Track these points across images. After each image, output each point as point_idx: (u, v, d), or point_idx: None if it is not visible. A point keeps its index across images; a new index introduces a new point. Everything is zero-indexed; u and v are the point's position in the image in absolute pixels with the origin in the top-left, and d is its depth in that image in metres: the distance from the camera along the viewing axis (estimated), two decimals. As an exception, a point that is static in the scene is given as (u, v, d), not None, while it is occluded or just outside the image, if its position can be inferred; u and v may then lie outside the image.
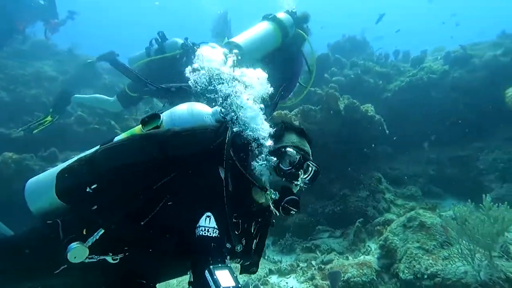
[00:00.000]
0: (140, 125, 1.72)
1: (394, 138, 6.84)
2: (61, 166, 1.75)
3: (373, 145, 7.24)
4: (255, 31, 3.84)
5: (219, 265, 1.27)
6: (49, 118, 5.26)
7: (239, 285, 1.25)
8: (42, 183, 1.73)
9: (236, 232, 1.55)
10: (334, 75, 8.93)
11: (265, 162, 1.60)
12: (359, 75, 8.90)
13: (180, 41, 4.75)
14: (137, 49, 5.21)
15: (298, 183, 1.64)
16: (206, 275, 1.23)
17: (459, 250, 3.92)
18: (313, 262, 5.12)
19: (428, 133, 7.95)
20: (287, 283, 4.66)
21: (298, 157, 1.60)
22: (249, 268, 1.80)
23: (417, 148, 8.05)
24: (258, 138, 1.64)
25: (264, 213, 1.75)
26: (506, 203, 4.04)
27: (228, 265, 1.32)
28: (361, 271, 4.41)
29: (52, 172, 1.73)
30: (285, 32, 4.02)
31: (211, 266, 1.25)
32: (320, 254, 5.39)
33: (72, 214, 1.59)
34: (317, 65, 8.47)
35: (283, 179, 1.60)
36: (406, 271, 4.15)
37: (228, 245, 1.54)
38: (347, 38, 12.18)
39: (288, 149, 1.60)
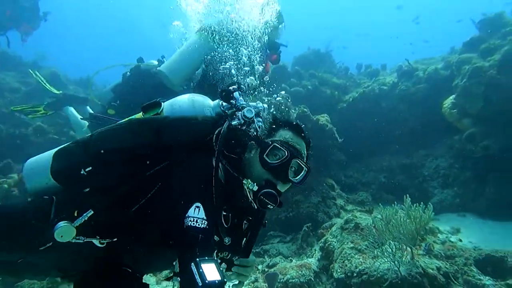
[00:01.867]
0: (141, 113, 1.73)
1: (340, 141, 7.18)
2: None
3: (327, 153, 7.57)
4: (180, 51, 4.11)
5: (206, 258, 1.26)
6: (41, 109, 5.30)
7: (225, 279, 1.24)
8: (41, 162, 1.72)
9: (225, 225, 1.54)
10: (293, 86, 9.28)
11: (253, 154, 1.59)
12: (316, 86, 9.29)
13: (155, 62, 4.89)
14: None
15: (286, 181, 1.59)
16: (192, 268, 1.22)
17: (385, 249, 4.20)
18: (259, 266, 5.29)
19: (380, 141, 8.37)
20: (229, 286, 4.79)
21: (285, 153, 1.55)
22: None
23: (370, 156, 8.44)
24: (254, 133, 1.66)
25: (256, 213, 1.74)
26: (422, 204, 4.39)
27: (215, 258, 1.33)
28: (300, 272, 4.62)
29: (52, 152, 1.73)
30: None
31: (197, 259, 1.24)
32: (268, 258, 5.57)
33: (65, 195, 1.59)
34: (275, 76, 8.79)
35: (270, 173, 1.56)
36: (339, 270, 4.39)
37: (216, 238, 1.53)
38: (311, 51, 12.67)
39: (275, 144, 1.56)
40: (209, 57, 4.42)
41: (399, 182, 7.75)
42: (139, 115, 1.74)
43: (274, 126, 1.66)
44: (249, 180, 1.53)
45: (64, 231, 1.40)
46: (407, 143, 8.08)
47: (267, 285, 4.46)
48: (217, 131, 1.57)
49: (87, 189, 1.53)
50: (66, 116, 5.43)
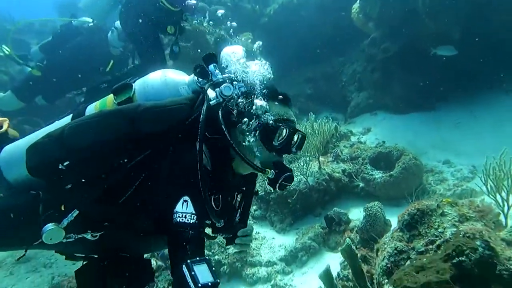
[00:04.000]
0: (112, 95, 1.63)
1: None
2: (35, 135, 1.69)
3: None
4: None
5: (197, 258, 1.25)
6: None
7: (218, 280, 1.23)
8: (15, 154, 1.67)
9: (215, 209, 1.51)
10: (211, 4, 8.74)
11: (253, 138, 1.52)
12: (235, 2, 8.83)
13: (89, 19, 4.47)
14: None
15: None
16: (184, 271, 1.21)
17: (297, 164, 4.69)
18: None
19: (304, 52, 8.48)
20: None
21: (287, 130, 1.54)
22: (234, 240, 1.80)
23: (296, 68, 8.62)
24: (240, 110, 1.54)
25: (247, 183, 1.72)
26: (325, 118, 4.81)
27: (207, 257, 1.30)
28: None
29: (26, 141, 1.67)
30: None
31: (189, 261, 1.22)
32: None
33: (48, 189, 1.56)
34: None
35: (277, 154, 1.56)
36: (260, 190, 4.90)
37: (208, 222, 1.53)
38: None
39: (281, 127, 1.52)
40: None
41: (324, 91, 8.19)
42: (110, 97, 1.66)
43: (264, 102, 1.54)
44: (268, 170, 1.52)
45: (53, 234, 1.39)
46: (327, 51, 8.27)
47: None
48: (196, 113, 1.51)
49: (69, 186, 1.48)
50: None
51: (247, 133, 1.52)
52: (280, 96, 1.60)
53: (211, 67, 1.60)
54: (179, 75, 1.69)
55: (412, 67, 6.09)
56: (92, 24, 4.50)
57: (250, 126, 1.51)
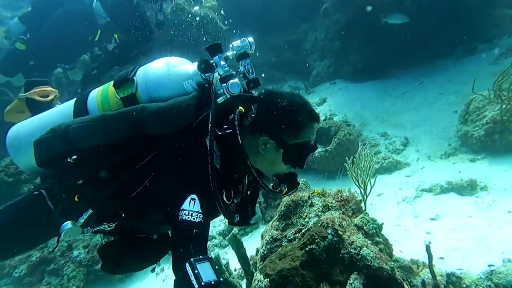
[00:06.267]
0: (113, 87, 1.60)
1: (225, 28, 7.20)
2: (41, 118, 1.71)
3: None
4: None
5: (200, 256, 1.25)
6: None
7: (221, 279, 1.25)
8: (22, 141, 1.67)
9: (227, 202, 1.49)
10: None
11: (272, 152, 1.50)
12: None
13: None
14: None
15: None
16: (187, 269, 1.22)
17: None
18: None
19: (267, 19, 8.31)
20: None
21: (310, 152, 1.56)
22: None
23: (260, 36, 8.48)
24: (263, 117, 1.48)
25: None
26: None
27: (209, 255, 1.32)
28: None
29: (33, 128, 1.68)
30: None
31: (192, 259, 1.23)
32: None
33: (59, 181, 1.59)
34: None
35: (291, 167, 1.57)
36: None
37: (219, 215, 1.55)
38: None
39: (310, 151, 1.54)
40: None
41: (287, 60, 8.15)
42: (111, 89, 1.60)
43: (299, 124, 1.50)
44: (282, 184, 1.57)
45: (71, 232, 1.46)
46: (292, 18, 8.11)
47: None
48: (204, 113, 1.47)
49: (80, 181, 1.54)
50: None
51: (265, 143, 1.49)
52: (316, 117, 1.54)
53: (216, 58, 1.50)
54: (182, 65, 1.60)
55: (367, 36, 6.07)
56: None
57: (275, 141, 1.48)
